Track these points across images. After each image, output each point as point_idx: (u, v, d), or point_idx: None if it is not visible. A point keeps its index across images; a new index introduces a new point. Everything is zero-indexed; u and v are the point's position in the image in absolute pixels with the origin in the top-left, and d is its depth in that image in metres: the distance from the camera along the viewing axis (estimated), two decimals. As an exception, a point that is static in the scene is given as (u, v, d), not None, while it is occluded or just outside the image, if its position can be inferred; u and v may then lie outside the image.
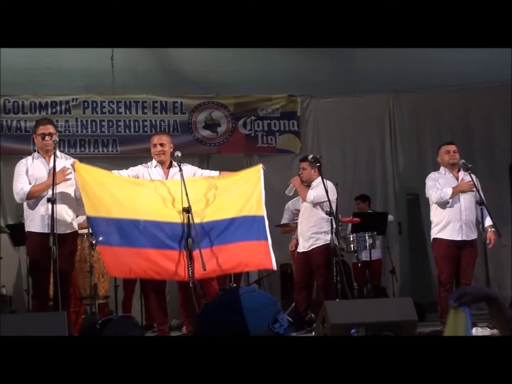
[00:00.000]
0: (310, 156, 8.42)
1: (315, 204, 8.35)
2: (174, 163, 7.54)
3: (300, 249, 8.62)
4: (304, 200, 8.52)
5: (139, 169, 7.67)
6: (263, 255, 7.28)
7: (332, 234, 7.90)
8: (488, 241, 8.02)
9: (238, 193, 7.47)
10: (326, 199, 7.96)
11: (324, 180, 8.07)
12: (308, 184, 8.50)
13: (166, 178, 7.52)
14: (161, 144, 7.59)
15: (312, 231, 8.43)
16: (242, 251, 7.24)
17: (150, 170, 7.60)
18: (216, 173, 7.90)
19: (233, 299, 2.10)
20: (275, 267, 7.55)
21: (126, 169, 7.72)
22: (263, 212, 7.39)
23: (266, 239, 7.27)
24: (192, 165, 8.03)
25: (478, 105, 11.70)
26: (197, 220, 7.02)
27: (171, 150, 7.64)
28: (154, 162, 7.64)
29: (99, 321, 4.39)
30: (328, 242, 8.22)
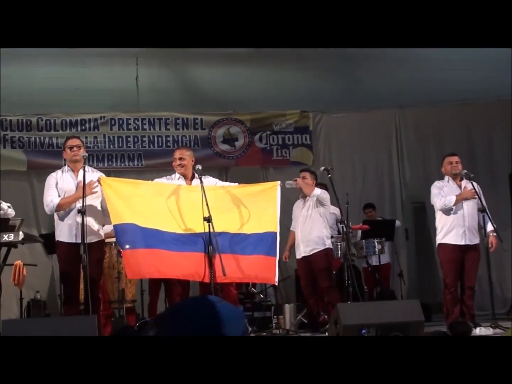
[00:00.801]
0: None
1: (317, 205, 8.39)
2: (196, 175, 7.57)
3: (301, 254, 8.63)
4: (309, 195, 8.56)
5: (163, 181, 7.67)
6: (269, 270, 7.24)
7: (343, 241, 7.90)
8: (490, 246, 7.99)
9: (255, 207, 7.41)
10: (328, 200, 8.07)
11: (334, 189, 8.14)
12: (303, 195, 8.65)
13: None
14: (181, 158, 7.58)
15: (312, 235, 8.47)
16: (253, 264, 7.22)
17: (174, 182, 7.59)
18: (236, 184, 7.89)
19: (209, 306, 2.11)
20: (277, 282, 7.54)
21: (152, 180, 7.76)
22: (276, 228, 7.32)
23: (275, 255, 7.24)
24: (212, 177, 8.05)
25: (478, 119, 11.68)
26: (215, 229, 7.05)
27: (192, 163, 7.64)
28: (177, 174, 7.64)
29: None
30: (328, 246, 8.29)
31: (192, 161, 7.69)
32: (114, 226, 6.99)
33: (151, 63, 11.18)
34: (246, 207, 7.41)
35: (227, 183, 7.96)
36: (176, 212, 7.14)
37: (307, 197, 8.63)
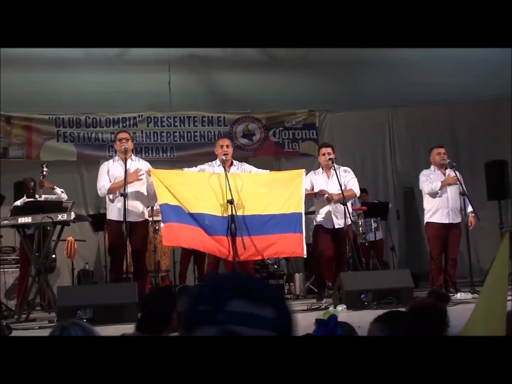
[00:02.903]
0: (328, 158, 8.38)
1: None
2: (234, 162, 7.53)
3: (334, 225, 7.91)
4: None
5: (205, 167, 7.61)
6: (297, 245, 7.16)
7: (345, 219, 7.75)
8: (469, 224, 8.00)
9: (281, 191, 7.37)
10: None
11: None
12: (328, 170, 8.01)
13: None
14: (227, 146, 7.53)
15: (343, 210, 7.68)
16: (280, 241, 7.17)
17: (214, 168, 7.52)
18: (267, 171, 7.88)
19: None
20: (305, 255, 7.43)
21: (195, 166, 7.73)
22: (302, 209, 7.24)
23: (301, 232, 7.16)
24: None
25: (460, 117, 11.65)
26: (241, 213, 7.04)
27: (232, 151, 7.62)
28: (217, 161, 7.52)
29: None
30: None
31: (232, 149, 7.66)
32: (160, 205, 7.04)
33: (181, 69, 11.22)
34: (276, 191, 7.40)
35: (260, 170, 7.86)
36: (210, 196, 7.15)
37: (331, 172, 7.89)
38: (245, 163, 7.84)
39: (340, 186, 7.63)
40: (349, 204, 7.91)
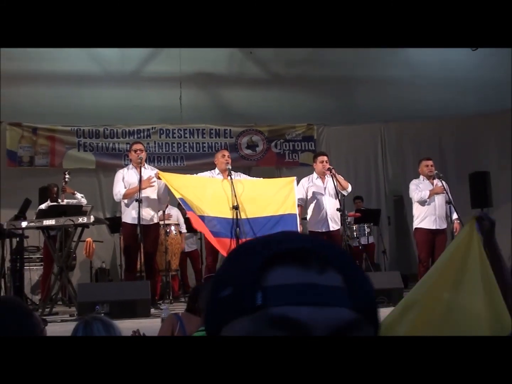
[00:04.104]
0: (326, 168, 8.35)
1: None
2: (232, 171, 7.53)
3: (327, 228, 7.75)
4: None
5: (206, 174, 7.65)
6: None
7: (341, 225, 7.77)
8: (455, 230, 8.00)
9: (277, 195, 7.40)
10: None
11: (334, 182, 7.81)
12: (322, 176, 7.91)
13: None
14: (229, 156, 7.55)
15: (337, 214, 7.74)
16: None
17: (214, 175, 7.54)
18: (261, 179, 7.93)
19: None
20: None
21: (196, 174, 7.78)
22: (296, 211, 7.29)
23: (297, 231, 7.23)
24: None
25: (446, 132, 11.68)
26: (244, 215, 7.05)
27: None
28: (217, 170, 7.51)
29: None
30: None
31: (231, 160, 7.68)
32: (179, 199, 7.05)
33: (191, 86, 11.26)
34: (273, 195, 7.42)
35: (255, 178, 7.96)
36: (214, 199, 7.16)
37: (326, 179, 7.87)
38: (241, 173, 7.87)
39: (336, 191, 7.62)
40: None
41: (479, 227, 2.15)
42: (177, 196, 7.00)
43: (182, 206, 7.39)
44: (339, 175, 7.89)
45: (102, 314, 5.86)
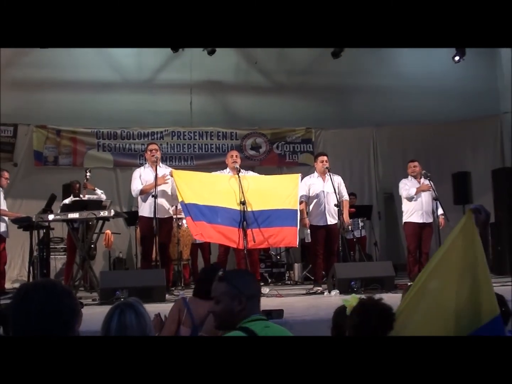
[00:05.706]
0: (324, 167, 8.36)
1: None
2: (242, 170, 7.42)
3: (326, 223, 7.72)
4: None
5: (217, 173, 7.68)
6: (292, 237, 7.12)
7: (338, 219, 7.74)
8: (440, 224, 8.04)
9: (282, 190, 7.37)
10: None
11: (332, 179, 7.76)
12: (323, 175, 7.87)
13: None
14: (237, 156, 7.54)
15: (334, 209, 7.71)
16: (280, 233, 7.15)
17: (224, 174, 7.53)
18: (267, 176, 7.91)
19: None
20: (297, 246, 7.47)
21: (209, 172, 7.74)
22: (297, 206, 7.25)
23: (296, 226, 7.13)
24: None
25: (433, 135, 11.66)
26: (250, 208, 7.03)
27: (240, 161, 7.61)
28: (227, 169, 7.54)
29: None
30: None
31: (240, 159, 7.67)
32: (181, 203, 7.00)
33: (201, 92, 11.33)
34: (277, 190, 7.38)
35: (262, 175, 7.92)
36: (225, 193, 7.13)
37: (325, 177, 7.82)
38: (250, 171, 7.87)
39: (334, 188, 7.65)
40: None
41: (475, 218, 2.16)
42: (179, 199, 6.96)
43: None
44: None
45: (122, 299, 5.91)
